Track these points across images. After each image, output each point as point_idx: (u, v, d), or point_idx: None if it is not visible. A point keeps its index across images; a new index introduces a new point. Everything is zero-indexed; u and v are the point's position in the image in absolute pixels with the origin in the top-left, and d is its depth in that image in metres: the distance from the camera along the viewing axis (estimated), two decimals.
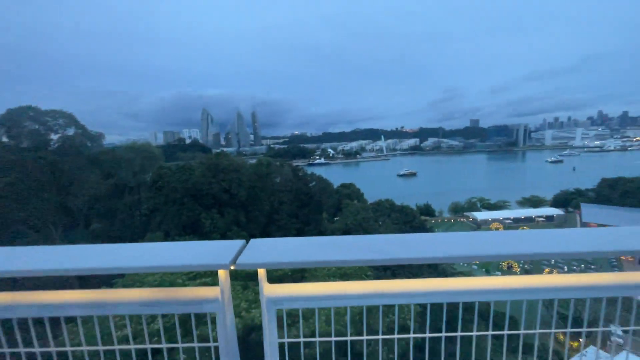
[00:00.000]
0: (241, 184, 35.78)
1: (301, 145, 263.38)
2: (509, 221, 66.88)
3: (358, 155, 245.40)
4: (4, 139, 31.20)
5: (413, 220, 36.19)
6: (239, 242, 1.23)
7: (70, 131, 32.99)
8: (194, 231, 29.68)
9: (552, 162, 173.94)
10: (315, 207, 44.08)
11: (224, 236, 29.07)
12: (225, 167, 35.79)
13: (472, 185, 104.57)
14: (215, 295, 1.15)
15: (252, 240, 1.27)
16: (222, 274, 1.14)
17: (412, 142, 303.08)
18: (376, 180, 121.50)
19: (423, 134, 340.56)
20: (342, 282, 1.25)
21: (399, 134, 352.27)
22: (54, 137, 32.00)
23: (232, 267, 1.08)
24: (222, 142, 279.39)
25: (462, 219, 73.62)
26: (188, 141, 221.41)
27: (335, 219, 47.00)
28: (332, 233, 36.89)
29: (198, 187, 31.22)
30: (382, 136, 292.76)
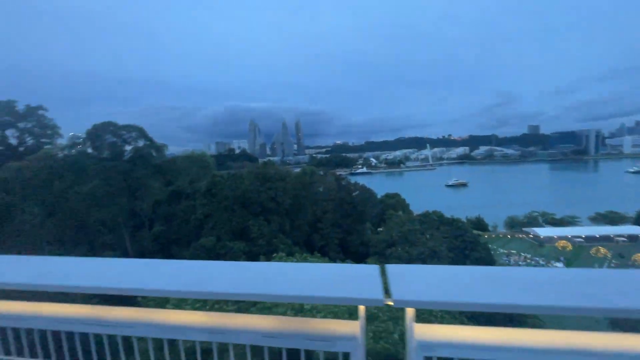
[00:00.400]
0: (286, 193, 36.75)
1: (343, 154, 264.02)
2: (580, 240, 58.60)
3: (402, 165, 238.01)
4: (89, 150, 36.21)
5: (464, 234, 33.54)
6: (373, 269, 1.05)
7: (140, 143, 37.17)
8: (242, 237, 31.05)
9: (633, 172, 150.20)
10: (358, 216, 43.42)
11: (269, 243, 29.95)
12: (272, 176, 37.14)
13: (532, 198, 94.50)
14: (353, 332, 0.97)
15: (389, 267, 1.07)
16: (362, 309, 0.97)
17: (460, 150, 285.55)
18: (422, 191, 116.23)
19: (473, 142, 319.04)
20: (515, 329, 0.99)
21: (447, 142, 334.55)
22: (127, 148, 36.32)
23: (389, 303, 0.90)
24: (268, 152, 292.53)
25: (520, 235, 66.53)
26: (237, 151, 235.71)
27: (379, 229, 45.68)
28: (377, 244, 35.78)
29: (247, 195, 32.78)
30: (428, 144, 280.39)
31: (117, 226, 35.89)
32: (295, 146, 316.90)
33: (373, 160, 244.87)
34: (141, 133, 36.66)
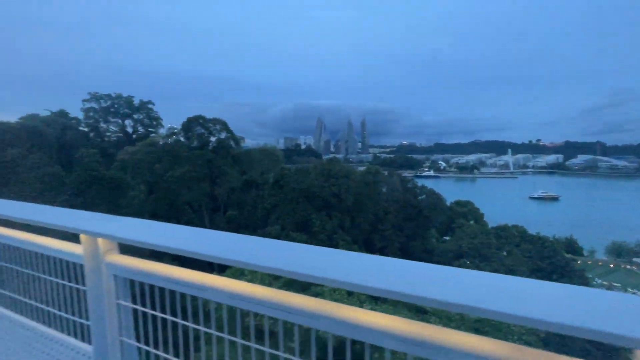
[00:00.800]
0: (349, 190, 36.87)
1: (409, 155, 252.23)
2: None
3: (475, 170, 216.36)
4: (182, 140, 41.85)
5: (553, 256, 28.79)
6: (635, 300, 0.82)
7: (223, 135, 41.53)
8: (304, 229, 32.28)
9: None
10: (422, 222, 41.11)
11: (330, 238, 30.48)
12: (336, 172, 37.65)
13: None
14: None
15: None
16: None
17: (552, 158, 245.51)
18: (499, 201, 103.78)
19: (570, 149, 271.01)
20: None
21: (534, 148, 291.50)
22: (212, 139, 40.97)
23: None
24: (332, 149, 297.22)
25: (628, 266, 54.33)
26: (303, 147, 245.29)
27: (445, 238, 42.51)
28: (442, 254, 33.39)
29: (311, 189, 33.90)
30: (510, 150, 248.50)
31: (199, 207, 40.95)
32: (359, 144, 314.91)
33: (442, 164, 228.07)
34: (224, 126, 40.90)
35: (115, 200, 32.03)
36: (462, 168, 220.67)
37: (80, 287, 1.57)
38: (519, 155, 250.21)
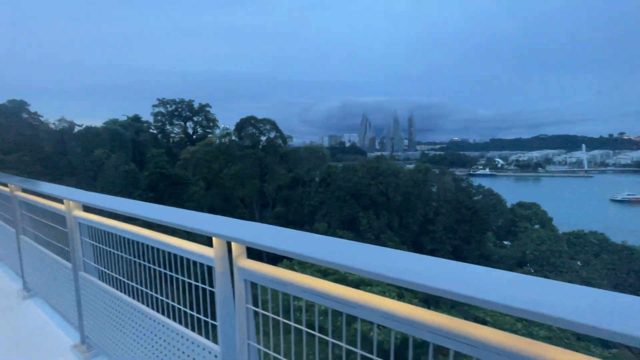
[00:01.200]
0: (397, 189, 35.72)
1: (461, 152, 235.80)
2: None
3: (540, 168, 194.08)
4: (235, 139, 44.51)
5: None
6: None
7: (272, 135, 43.26)
8: (351, 228, 32.13)
9: None
10: (478, 224, 38.12)
11: (377, 238, 29.91)
12: (384, 170, 36.75)
13: None
14: None
15: None
16: None
17: (639, 154, 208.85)
18: (571, 203, 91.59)
19: None
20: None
21: (615, 143, 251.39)
22: (262, 138, 42.93)
23: None
24: (377, 146, 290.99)
25: None
26: (347, 144, 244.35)
27: (505, 242, 38.85)
28: (502, 260, 30.59)
29: (359, 187, 33.58)
30: (584, 145, 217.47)
31: (250, 203, 43.30)
32: (406, 141, 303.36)
33: (499, 161, 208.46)
34: (273, 126, 42.54)
35: (180, 195, 35.37)
36: (524, 166, 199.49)
37: (209, 288, 1.62)
38: (596, 152, 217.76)
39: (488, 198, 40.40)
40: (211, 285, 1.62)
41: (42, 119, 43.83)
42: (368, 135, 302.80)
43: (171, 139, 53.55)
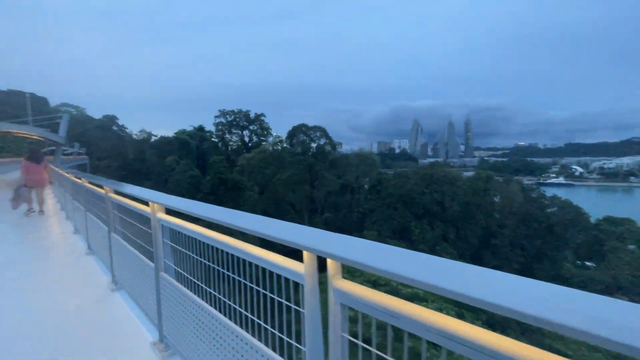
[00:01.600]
0: (455, 198, 33.25)
1: (528, 158, 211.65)
2: None
3: (633, 177, 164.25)
4: (287, 146, 46.19)
5: None
6: None
7: (322, 141, 43.93)
8: (402, 237, 30.74)
9: None
10: (553, 240, 33.44)
11: (432, 250, 28.09)
12: (439, 178, 34.58)
13: None
14: None
15: None
16: None
17: None
18: None
19: None
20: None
21: None
22: (312, 145, 43.86)
23: None
24: (429, 153, 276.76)
25: None
26: (397, 151, 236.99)
27: (588, 263, 33.34)
28: (585, 283, 26.26)
29: (411, 195, 32.10)
30: None
31: (299, 209, 44.35)
32: (462, 147, 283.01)
33: (577, 169, 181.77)
34: (323, 133, 43.21)
35: (236, 199, 37.80)
36: (611, 174, 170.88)
37: (294, 307, 1.45)
38: None
39: (565, 211, 35.24)
40: (297, 303, 1.44)
41: (127, 131, 50.94)
42: (419, 141, 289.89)
43: (229, 147, 57.85)
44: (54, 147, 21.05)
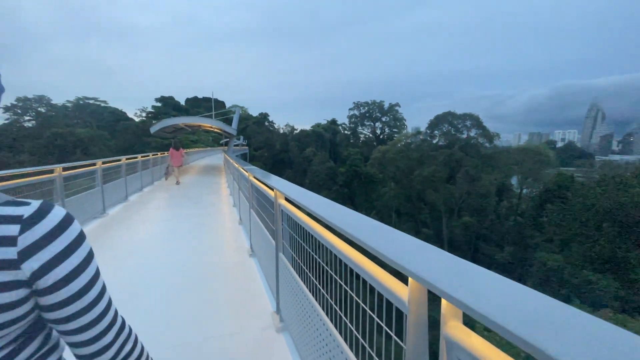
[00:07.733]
0: None
1: None
2: None
3: None
4: (428, 139, 40.84)
5: None
6: None
7: (473, 132, 36.36)
8: (612, 270, 21.13)
9: None
10: None
11: None
12: None
13: None
14: None
15: None
16: None
17: None
18: None
19: None
20: None
21: None
22: (460, 136, 36.95)
23: None
24: (616, 147, 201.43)
25: None
26: (559, 144, 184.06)
27: None
28: None
29: (629, 210, 21.64)
30: None
31: (436, 209, 38.59)
32: None
33: None
34: (476, 121, 35.66)
35: (369, 193, 36.08)
36: None
37: (395, 338, 1.11)
38: None
39: None
40: (400, 333, 1.05)
41: (275, 125, 57.65)
42: (598, 131, 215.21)
43: (360, 139, 57.14)
44: (227, 139, 24.63)
